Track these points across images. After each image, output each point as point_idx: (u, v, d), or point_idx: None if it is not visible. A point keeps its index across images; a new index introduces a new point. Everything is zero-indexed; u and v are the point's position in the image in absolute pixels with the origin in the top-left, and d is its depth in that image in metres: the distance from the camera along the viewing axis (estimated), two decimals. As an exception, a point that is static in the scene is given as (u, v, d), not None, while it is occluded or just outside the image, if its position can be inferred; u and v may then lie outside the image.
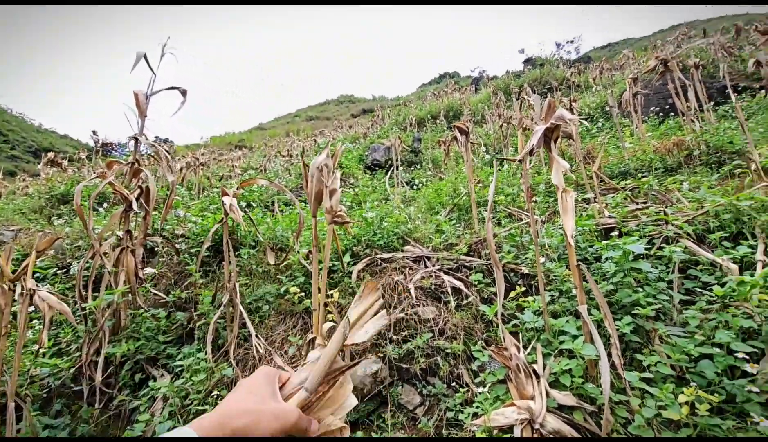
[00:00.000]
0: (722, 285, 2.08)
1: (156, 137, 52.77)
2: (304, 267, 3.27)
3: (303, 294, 3.03)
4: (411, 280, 2.92)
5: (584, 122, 8.55)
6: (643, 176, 4.75)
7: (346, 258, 3.24)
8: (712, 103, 6.43)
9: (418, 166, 9.27)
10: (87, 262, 2.89)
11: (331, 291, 2.96)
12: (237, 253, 3.55)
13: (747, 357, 1.55)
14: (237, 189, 2.97)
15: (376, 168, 9.51)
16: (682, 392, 1.39)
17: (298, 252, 3.28)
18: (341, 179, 6.81)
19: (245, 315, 2.73)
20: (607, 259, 2.26)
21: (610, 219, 3.05)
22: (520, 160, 2.11)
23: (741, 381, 1.50)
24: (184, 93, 3.72)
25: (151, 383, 2.11)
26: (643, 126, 6.58)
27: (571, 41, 40.56)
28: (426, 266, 3.18)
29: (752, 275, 2.09)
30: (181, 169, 9.80)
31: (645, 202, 3.39)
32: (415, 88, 49.40)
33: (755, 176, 3.22)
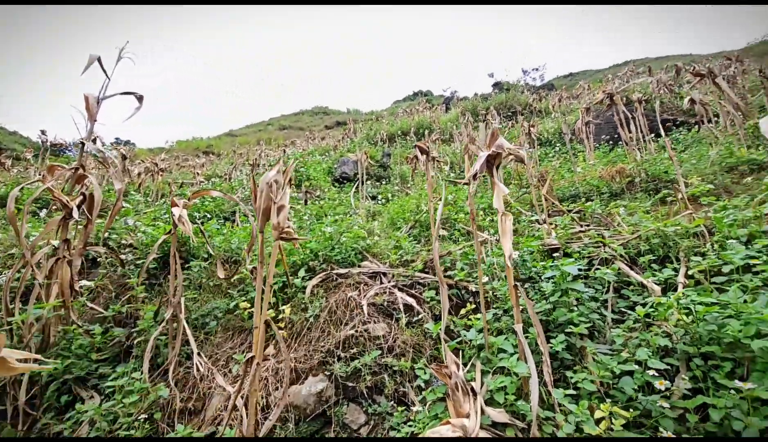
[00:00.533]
0: (644, 306, 2.24)
1: (116, 139, 50.20)
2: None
3: (253, 310, 2.97)
4: (365, 296, 2.94)
5: (539, 147, 9.03)
6: (589, 200, 5.06)
7: (302, 273, 3.21)
8: (653, 134, 6.98)
9: (386, 181, 9.38)
10: (17, 272, 2.70)
11: (284, 307, 2.92)
12: (188, 265, 3.43)
13: (658, 374, 1.67)
14: (188, 199, 2.89)
15: (345, 181, 9.53)
16: (600, 408, 1.47)
17: (248, 267, 3.21)
18: (307, 191, 6.77)
19: (189, 331, 2.62)
20: (547, 279, 2.38)
21: (555, 240, 3.21)
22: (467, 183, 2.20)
23: (655, 397, 1.61)
24: (140, 99, 3.61)
25: (77, 406, 1.98)
26: (593, 153, 7.04)
27: (537, 69, 42.94)
28: (382, 282, 3.20)
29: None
30: (139, 174, 9.39)
31: (588, 225, 3.61)
32: (389, 104, 50.24)
33: (682, 204, 3.52)
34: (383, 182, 9.42)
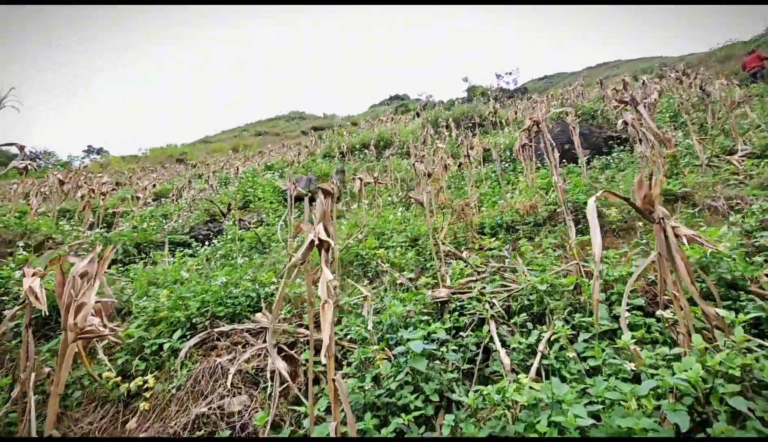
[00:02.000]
0: (495, 382, 2.18)
1: (88, 147, 48.68)
2: (131, 345, 3.05)
3: (120, 378, 2.82)
4: (237, 361, 2.82)
5: (488, 165, 9.03)
6: (512, 230, 5.05)
7: (178, 334, 3.07)
8: (587, 157, 7.04)
9: (336, 200, 9.26)
10: None
11: (147, 376, 2.78)
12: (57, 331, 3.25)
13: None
14: (46, 267, 2.72)
15: (297, 200, 9.39)
16: None
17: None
18: (240, 219, 6.60)
19: (33, 412, 2.46)
20: (400, 355, 2.31)
21: (443, 292, 3.15)
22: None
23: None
24: (21, 149, 3.43)
25: None
26: (531, 175, 7.08)
27: (510, 73, 43.53)
28: (265, 341, 3.09)
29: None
30: (82, 197, 9.03)
31: (483, 272, 3.57)
32: (367, 108, 50.14)
33: (571, 251, 3.50)
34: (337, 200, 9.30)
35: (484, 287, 3.06)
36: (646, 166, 5.43)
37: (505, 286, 3.17)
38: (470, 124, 14.17)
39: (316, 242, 1.97)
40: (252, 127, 46.06)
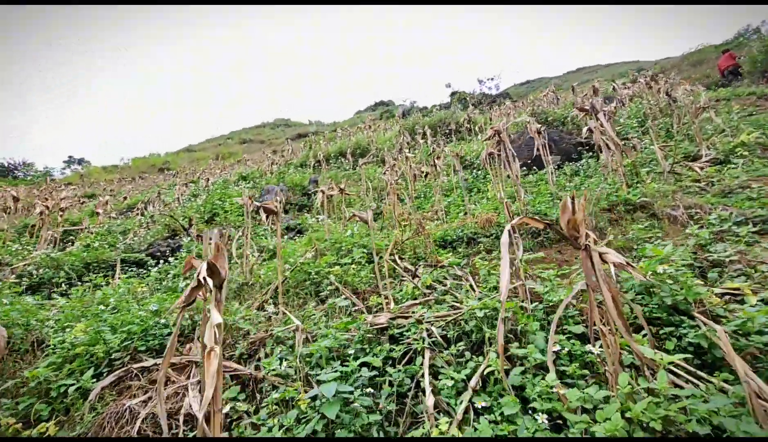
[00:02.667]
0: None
1: (69, 157, 47.51)
2: (38, 387, 2.77)
3: (21, 425, 2.54)
4: (152, 402, 2.57)
5: (457, 173, 8.90)
6: (474, 242, 4.89)
7: (91, 372, 2.80)
8: (556, 163, 6.96)
9: (307, 210, 9.04)
10: None
11: (48, 424, 2.51)
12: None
13: None
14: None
15: (268, 214, 9.12)
16: None
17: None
18: (199, 235, 6.30)
19: None
20: (312, 398, 2.09)
21: (382, 318, 2.95)
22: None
23: None
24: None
25: None
26: (499, 184, 6.97)
27: (492, 78, 43.99)
28: (189, 377, 2.85)
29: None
30: (41, 213, 8.64)
31: (430, 293, 3.38)
32: (352, 114, 50.06)
33: (521, 267, 3.33)
34: (305, 211, 9.07)
35: (424, 312, 2.87)
36: (609, 174, 5.34)
37: (454, 308, 2.99)
38: (447, 131, 14.11)
39: (203, 281, 1.76)
40: (237, 135, 45.53)
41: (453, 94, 40.80)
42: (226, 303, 3.93)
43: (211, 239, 1.87)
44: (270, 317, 3.42)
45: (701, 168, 5.58)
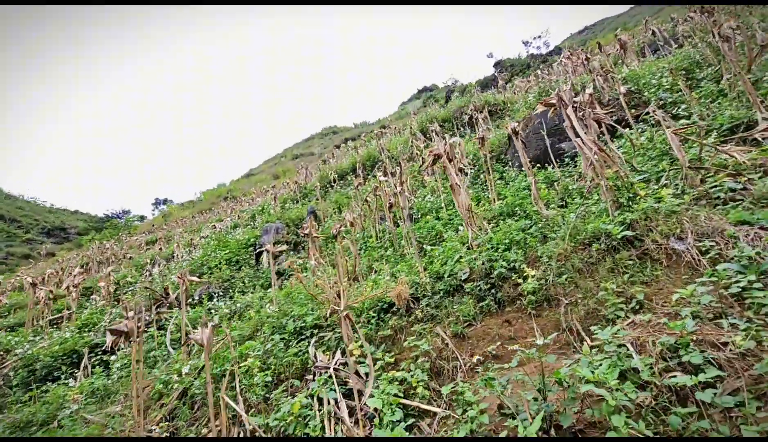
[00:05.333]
0: None
1: (155, 199, 54.38)
2: None
3: None
4: None
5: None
6: (416, 301, 3.97)
7: None
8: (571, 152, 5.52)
9: (303, 249, 8.67)
10: None
11: None
12: None
13: None
14: None
15: (259, 255, 8.99)
16: None
17: None
18: (176, 297, 6.27)
19: None
20: None
21: None
22: None
23: None
24: None
25: None
26: (494, 190, 5.82)
27: (539, 36, 39.22)
28: None
29: None
30: (45, 301, 8.99)
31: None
32: (396, 108, 48.99)
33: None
34: (301, 249, 8.71)
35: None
36: (592, 189, 3.95)
37: None
38: (465, 121, 12.64)
39: None
40: (289, 151, 47.57)
41: (497, 64, 37.56)
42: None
43: None
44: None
45: (746, 151, 3.86)
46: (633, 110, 7.46)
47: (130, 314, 3.35)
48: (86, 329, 6.41)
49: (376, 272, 5.53)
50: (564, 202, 5.06)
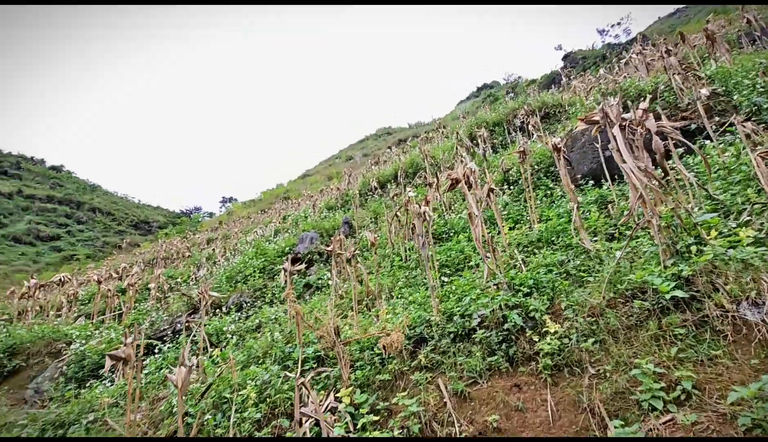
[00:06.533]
0: None
1: (222, 198, 58.82)
2: None
3: None
4: None
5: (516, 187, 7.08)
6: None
7: None
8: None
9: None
10: None
11: None
12: None
13: None
14: None
15: (294, 262, 9.05)
16: None
17: None
18: (191, 313, 6.48)
19: None
20: None
21: None
22: None
23: None
24: None
25: None
26: (535, 211, 5.19)
27: (619, 23, 35.39)
28: None
29: None
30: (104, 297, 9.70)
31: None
32: (454, 106, 47.71)
33: None
34: (329, 262, 8.61)
35: None
36: (636, 225, 3.22)
37: None
38: (518, 126, 11.70)
39: None
40: (344, 153, 48.54)
41: (566, 56, 34.79)
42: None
43: None
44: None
45: None
46: (718, 118, 6.27)
47: (129, 339, 3.38)
48: (133, 330, 6.88)
49: (393, 297, 5.19)
50: (617, 232, 4.30)
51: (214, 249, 13.06)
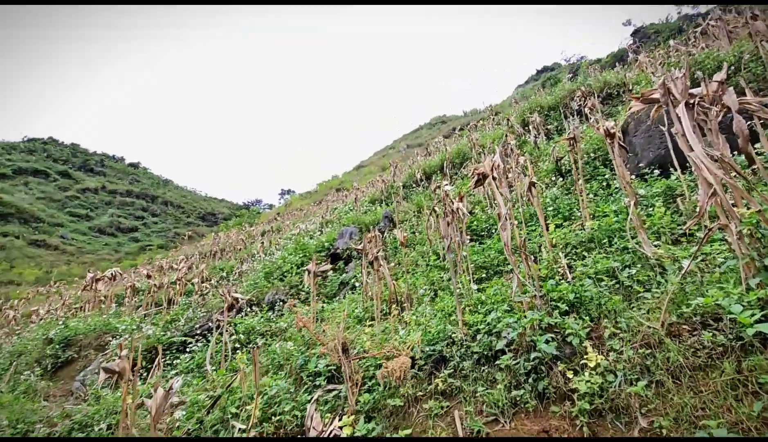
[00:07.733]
0: None
1: (281, 190, 61.62)
2: None
3: None
4: None
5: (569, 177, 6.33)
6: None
7: None
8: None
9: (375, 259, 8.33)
10: None
11: None
12: None
13: None
14: None
15: (334, 260, 8.97)
16: None
17: None
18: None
19: None
20: None
21: None
22: None
23: None
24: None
25: None
26: (585, 205, 4.51)
27: (696, -9, 30.35)
28: None
29: None
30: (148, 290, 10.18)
31: None
32: (512, 91, 44.92)
33: None
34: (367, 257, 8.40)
35: None
36: (714, 227, 2.51)
37: None
38: (575, 110, 10.51)
39: None
40: (398, 143, 48.17)
41: (635, 31, 31.09)
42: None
43: None
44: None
45: None
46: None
47: (123, 352, 3.42)
48: (172, 326, 7.24)
49: (422, 302, 4.82)
50: (685, 234, 3.53)
51: (262, 243, 13.54)
